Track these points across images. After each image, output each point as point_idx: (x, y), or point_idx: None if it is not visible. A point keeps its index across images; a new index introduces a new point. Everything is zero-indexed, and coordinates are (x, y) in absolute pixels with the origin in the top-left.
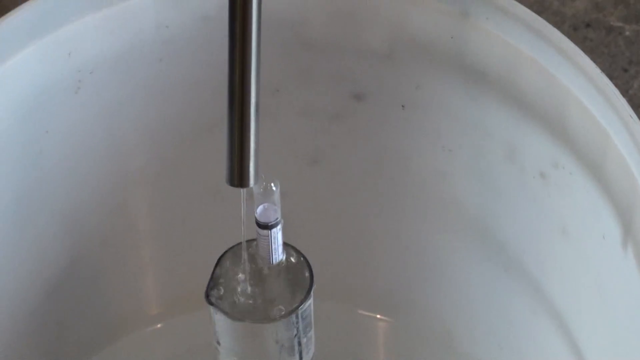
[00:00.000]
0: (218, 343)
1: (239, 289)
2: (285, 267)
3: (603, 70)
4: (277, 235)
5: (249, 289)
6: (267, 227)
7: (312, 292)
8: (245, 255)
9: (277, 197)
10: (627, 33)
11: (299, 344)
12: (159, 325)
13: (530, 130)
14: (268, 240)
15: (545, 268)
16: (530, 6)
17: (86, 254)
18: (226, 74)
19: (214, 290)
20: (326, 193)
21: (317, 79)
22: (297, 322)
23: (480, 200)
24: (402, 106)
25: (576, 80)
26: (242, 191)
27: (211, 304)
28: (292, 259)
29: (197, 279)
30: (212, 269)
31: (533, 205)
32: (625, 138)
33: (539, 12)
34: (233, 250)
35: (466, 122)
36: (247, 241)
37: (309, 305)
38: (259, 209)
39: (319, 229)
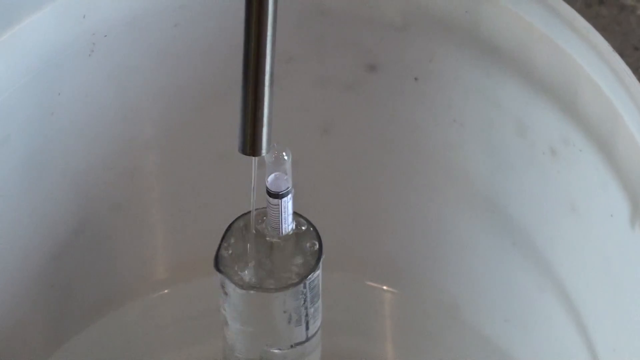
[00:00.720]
0: (225, 310)
1: (248, 257)
2: (295, 237)
3: (614, 48)
4: (288, 204)
5: (258, 257)
6: (278, 196)
7: (320, 263)
8: (255, 223)
9: (288, 166)
10: (639, 12)
11: (307, 313)
12: (166, 291)
13: (541, 106)
14: (278, 210)
15: (553, 244)
16: None
17: (95, 217)
18: (241, 41)
19: (222, 257)
20: (337, 163)
21: (331, 49)
22: (305, 292)
23: (490, 174)
24: (415, 78)
25: (588, 57)
26: (254, 160)
27: (219, 271)
28: (302, 229)
29: (205, 246)
30: (221, 236)
31: (542, 180)
32: (635, 116)
33: None
34: (243, 219)
35: (478, 96)
36: (257, 210)
37: (318, 276)
38: (270, 177)
39: (328, 199)
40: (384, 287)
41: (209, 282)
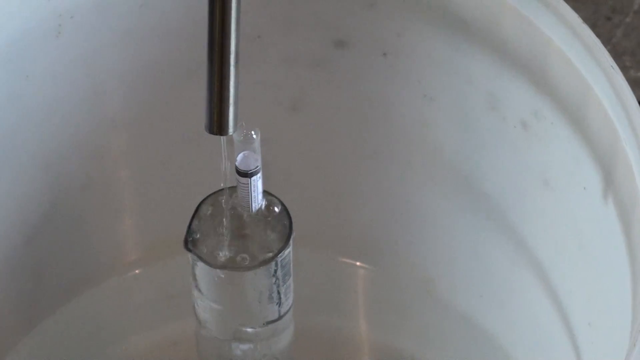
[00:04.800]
0: (197, 290)
1: (218, 236)
2: (265, 215)
3: (586, 18)
4: (257, 183)
5: (228, 236)
6: (247, 174)
7: (291, 240)
8: (225, 202)
9: (257, 144)
10: None
11: (278, 291)
12: (137, 271)
13: (511, 80)
14: (248, 188)
15: (527, 218)
16: None
17: (65, 199)
18: (206, 20)
19: (192, 237)
20: (307, 140)
21: (299, 26)
22: (276, 270)
23: (462, 149)
24: (384, 54)
25: (558, 30)
26: (222, 139)
27: (190, 250)
28: (272, 207)
29: (176, 226)
30: (191, 215)
31: (514, 155)
32: (606, 88)
33: None
34: (213, 197)
35: (448, 71)
36: (227, 188)
37: (289, 253)
38: (239, 156)
39: (299, 177)
40: (357, 264)
41: (181, 261)
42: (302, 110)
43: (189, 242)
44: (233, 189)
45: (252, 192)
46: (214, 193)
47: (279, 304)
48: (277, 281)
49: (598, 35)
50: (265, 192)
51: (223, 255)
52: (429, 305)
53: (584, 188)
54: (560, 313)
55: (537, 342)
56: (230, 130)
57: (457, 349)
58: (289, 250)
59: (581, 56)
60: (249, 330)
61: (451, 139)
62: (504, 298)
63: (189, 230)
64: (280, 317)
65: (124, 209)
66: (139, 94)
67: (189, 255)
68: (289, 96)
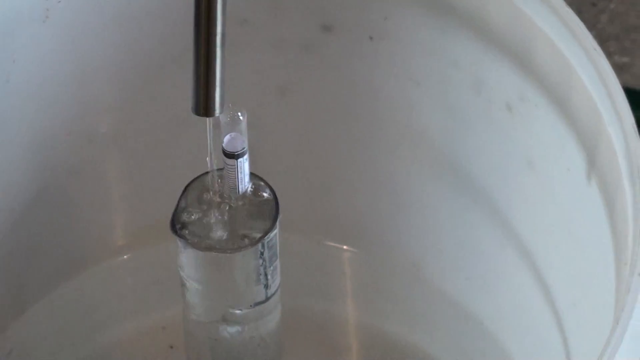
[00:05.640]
0: (184, 273)
1: (205, 219)
2: (252, 197)
3: (571, 4)
4: (244, 164)
5: (215, 218)
6: (234, 156)
7: (277, 222)
8: (211, 184)
9: (244, 126)
10: None
11: (265, 274)
12: (125, 257)
13: (497, 63)
14: (235, 170)
15: (512, 201)
16: None
17: (53, 184)
18: (193, 2)
19: (179, 220)
20: (295, 124)
21: (285, 10)
22: (263, 252)
23: (448, 132)
24: (370, 37)
25: (543, 14)
26: (208, 120)
27: (176, 233)
28: (259, 189)
29: (163, 209)
30: (178, 198)
31: (499, 137)
32: (590, 71)
33: None
34: (199, 180)
35: (434, 55)
36: (214, 171)
37: (275, 235)
38: (226, 138)
39: (286, 160)
40: (344, 247)
41: (168, 246)
42: (289, 94)
43: (176, 225)
44: (220, 171)
45: (239, 174)
46: (201, 175)
47: (266, 285)
48: (264, 263)
49: (583, 20)
50: (252, 175)
51: (210, 237)
52: (416, 289)
53: (568, 169)
54: (545, 294)
55: (523, 323)
56: (217, 111)
57: (444, 332)
58: (275, 232)
59: (565, 40)
60: (237, 312)
61: (437, 122)
62: (490, 281)
63: (176, 213)
64: (267, 299)
65: (112, 193)
66: (126, 78)
67: (176, 238)
68: (276, 80)
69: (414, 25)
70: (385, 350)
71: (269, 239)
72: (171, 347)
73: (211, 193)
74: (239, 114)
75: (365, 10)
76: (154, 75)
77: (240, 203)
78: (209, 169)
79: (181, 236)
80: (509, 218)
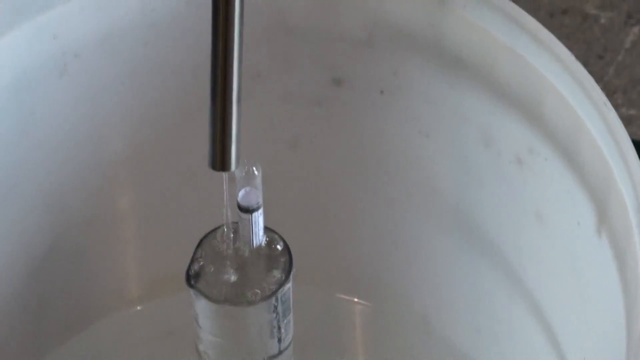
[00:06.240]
0: (198, 325)
1: (220, 272)
2: (266, 251)
3: (579, 57)
4: (259, 219)
5: (230, 271)
6: (249, 210)
7: (291, 276)
8: (226, 238)
9: (259, 181)
10: (603, 20)
11: (279, 327)
12: (139, 308)
13: (506, 116)
14: (249, 224)
15: (522, 253)
16: None
17: (68, 235)
18: (209, 59)
19: (194, 272)
20: (306, 177)
21: (297, 64)
22: (277, 306)
23: (458, 185)
24: (381, 91)
25: (552, 68)
26: (225, 175)
27: (191, 286)
28: (273, 243)
29: (178, 261)
30: (193, 251)
31: (509, 190)
32: (599, 125)
33: None
34: (214, 233)
35: (443, 108)
36: (229, 224)
37: (288, 289)
38: (241, 192)
39: (298, 213)
40: (355, 300)
41: (182, 297)
42: (300, 147)
43: (191, 278)
44: (234, 224)
45: (254, 228)
46: (216, 229)
47: (280, 339)
48: (277, 316)
49: (590, 73)
50: (266, 228)
51: (224, 290)
52: (426, 342)
53: (578, 223)
54: (555, 348)
55: None
56: (233, 166)
57: None
58: (289, 286)
59: (574, 93)
60: None
61: (447, 174)
62: (500, 334)
63: (191, 265)
64: (280, 352)
65: (126, 245)
66: (142, 131)
67: (191, 290)
68: (288, 133)
69: (424, 79)
70: None
71: (282, 293)
72: None
73: (226, 246)
74: (254, 168)
75: (375, 65)
76: (170, 129)
77: (254, 256)
78: (223, 222)
79: (195, 288)
80: (518, 271)
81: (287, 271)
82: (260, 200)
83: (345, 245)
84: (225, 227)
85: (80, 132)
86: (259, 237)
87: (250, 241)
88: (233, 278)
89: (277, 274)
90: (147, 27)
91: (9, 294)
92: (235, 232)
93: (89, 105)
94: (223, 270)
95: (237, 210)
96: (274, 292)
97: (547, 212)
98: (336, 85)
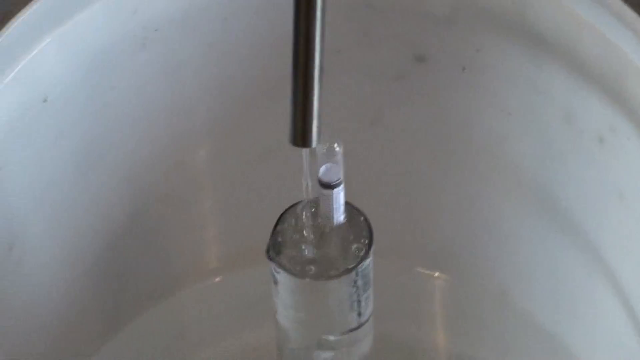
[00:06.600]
0: (278, 298)
1: (300, 247)
2: (346, 226)
3: None
4: (339, 195)
5: (310, 246)
6: (330, 186)
7: (371, 251)
8: (306, 213)
9: (340, 157)
10: None
11: (359, 301)
12: (217, 279)
13: (588, 95)
14: (330, 200)
15: (602, 231)
16: None
17: (147, 208)
18: (290, 34)
19: (274, 246)
20: (386, 153)
21: (379, 41)
22: (357, 280)
23: (538, 162)
24: (463, 68)
25: (635, 47)
26: (305, 151)
27: (271, 260)
28: (353, 218)
29: (257, 235)
30: (272, 225)
31: (590, 168)
32: None
33: None
34: (294, 208)
35: (525, 85)
36: (309, 200)
37: (369, 264)
38: (322, 168)
39: (378, 188)
40: (435, 274)
41: (260, 270)
42: (381, 123)
43: (271, 251)
44: (315, 200)
45: (334, 204)
46: (296, 204)
47: (359, 313)
48: (357, 291)
49: None
50: (347, 204)
51: (304, 264)
52: (505, 315)
53: None
54: (635, 325)
55: (612, 352)
56: (314, 142)
57: (531, 358)
58: (369, 261)
59: None
60: (330, 338)
61: (528, 152)
62: (579, 309)
63: (271, 239)
64: (360, 326)
65: (205, 218)
66: (221, 106)
67: (270, 264)
68: (368, 110)
69: (506, 56)
70: None
71: (363, 267)
72: None
73: (306, 221)
74: (335, 145)
75: (458, 42)
76: (248, 104)
77: (335, 231)
78: (303, 198)
79: (276, 262)
80: (598, 247)
81: (368, 246)
82: (341, 176)
83: (426, 220)
84: (306, 202)
85: (159, 106)
86: (340, 212)
87: (330, 217)
88: (313, 253)
89: (358, 249)
90: (227, 1)
91: (90, 265)
92: (316, 207)
93: (168, 79)
94: (303, 244)
95: (318, 186)
96: (354, 267)
97: (630, 190)
98: (418, 61)
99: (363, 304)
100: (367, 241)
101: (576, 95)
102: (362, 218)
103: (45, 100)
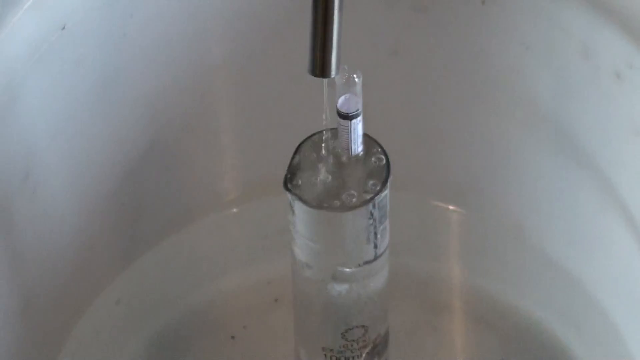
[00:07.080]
0: (294, 229)
1: (317, 177)
2: (364, 158)
3: None
4: (358, 125)
5: (327, 177)
6: (348, 117)
7: (388, 183)
8: (325, 144)
9: (359, 88)
10: None
11: (375, 233)
12: (234, 210)
13: (606, 30)
14: (348, 131)
15: (617, 166)
16: None
17: (166, 138)
18: None
19: (292, 177)
20: (405, 85)
21: None
22: (374, 212)
23: (555, 97)
24: (483, 1)
25: None
26: (324, 81)
27: (289, 190)
28: (371, 150)
29: (274, 166)
30: (290, 156)
31: (606, 104)
32: None
33: None
34: (312, 139)
35: (544, 20)
36: (328, 130)
37: (385, 196)
38: (341, 99)
39: (396, 120)
40: (450, 207)
41: (278, 201)
42: (400, 54)
43: (289, 182)
44: (333, 131)
45: (352, 135)
46: (314, 135)
47: (376, 245)
48: (373, 223)
49: None
50: (365, 135)
51: (321, 195)
52: (519, 250)
53: None
54: None
55: (625, 286)
56: (333, 72)
57: (545, 292)
58: (386, 193)
59: None
60: (346, 270)
61: (545, 86)
62: (592, 244)
63: (289, 170)
64: (376, 258)
65: (223, 148)
66: (242, 35)
67: (288, 195)
68: (387, 41)
69: None
70: (486, 309)
71: (379, 199)
72: (276, 300)
73: (324, 152)
74: (355, 75)
75: None
76: (269, 34)
77: (352, 163)
78: (321, 128)
79: (293, 192)
80: (613, 183)
81: (385, 178)
82: (360, 107)
83: (443, 153)
84: (324, 133)
85: (180, 36)
86: (358, 144)
87: (348, 148)
88: (331, 184)
89: (375, 180)
90: None
91: (108, 192)
92: (334, 138)
93: (189, 10)
94: (321, 175)
95: (337, 116)
96: (371, 199)
97: None
98: None
99: (379, 236)
100: (384, 173)
101: (595, 31)
102: (379, 150)
103: (63, 28)
